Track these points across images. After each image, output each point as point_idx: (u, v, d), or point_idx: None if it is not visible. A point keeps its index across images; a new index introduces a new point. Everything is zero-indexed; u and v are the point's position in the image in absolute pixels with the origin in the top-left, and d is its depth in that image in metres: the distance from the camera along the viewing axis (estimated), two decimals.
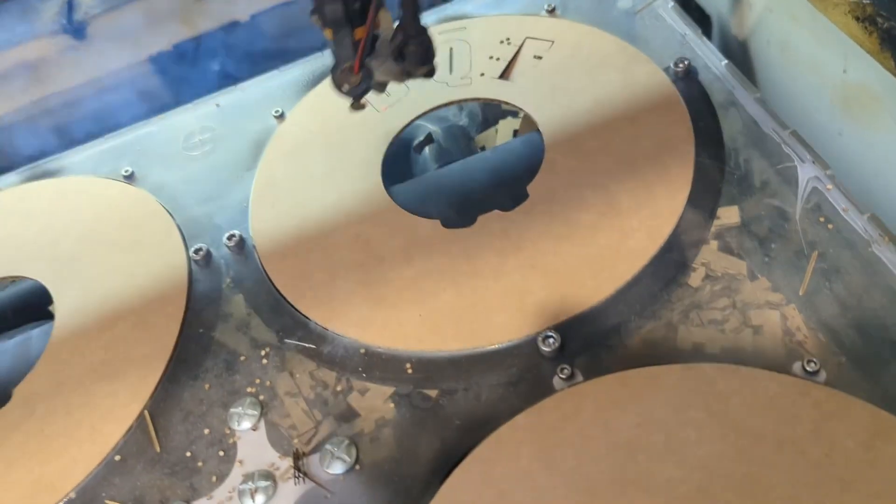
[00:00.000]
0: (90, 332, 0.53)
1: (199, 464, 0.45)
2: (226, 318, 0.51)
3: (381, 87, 0.49)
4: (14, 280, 0.60)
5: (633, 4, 0.63)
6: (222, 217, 0.58)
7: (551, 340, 0.45)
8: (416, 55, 0.48)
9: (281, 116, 0.63)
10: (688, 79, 0.56)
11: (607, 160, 0.53)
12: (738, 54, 0.64)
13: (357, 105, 0.49)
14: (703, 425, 0.40)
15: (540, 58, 0.60)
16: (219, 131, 0.64)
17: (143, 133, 0.66)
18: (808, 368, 0.41)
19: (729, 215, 0.51)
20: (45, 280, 0.57)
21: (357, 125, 0.59)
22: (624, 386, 0.42)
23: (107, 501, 0.45)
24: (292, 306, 0.51)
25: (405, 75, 0.49)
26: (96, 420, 0.48)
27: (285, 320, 0.51)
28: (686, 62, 0.56)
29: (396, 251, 0.52)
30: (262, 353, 0.49)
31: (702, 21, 0.78)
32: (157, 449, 0.47)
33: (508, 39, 0.62)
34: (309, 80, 0.66)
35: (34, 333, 0.57)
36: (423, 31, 0.48)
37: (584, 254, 0.48)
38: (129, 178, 0.62)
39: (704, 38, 0.59)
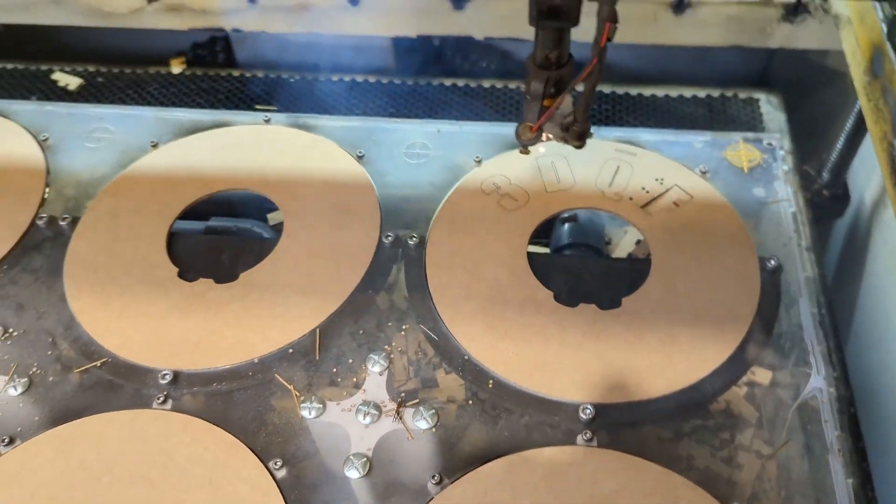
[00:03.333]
0: (303, 252, 0.76)
1: (339, 379, 0.68)
2: (396, 295, 0.74)
3: (538, 140, 0.68)
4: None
5: (766, 195, 0.80)
6: (414, 219, 0.80)
7: (588, 411, 0.65)
8: (575, 134, 0.68)
9: (479, 163, 0.84)
10: (771, 272, 0.74)
11: (687, 302, 0.71)
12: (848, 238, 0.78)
13: (524, 151, 0.69)
14: None
15: (678, 205, 0.79)
16: (432, 153, 0.86)
17: (381, 127, 0.89)
18: None
19: (762, 375, 0.69)
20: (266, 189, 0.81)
21: (521, 202, 0.80)
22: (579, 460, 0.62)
23: (276, 374, 0.69)
24: (438, 314, 0.72)
25: (562, 140, 0.69)
26: (289, 319, 0.72)
27: (430, 324, 0.72)
28: (775, 262, 0.73)
29: (521, 300, 0.72)
30: (403, 326, 0.72)
31: (842, 198, 0.95)
32: (317, 357, 0.70)
33: (662, 179, 0.81)
34: (512, 144, 0.86)
35: (264, 233, 0.82)
36: (586, 120, 0.67)
37: (642, 360, 0.68)
38: (361, 158, 0.85)
39: (804, 249, 0.75)
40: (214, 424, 0.66)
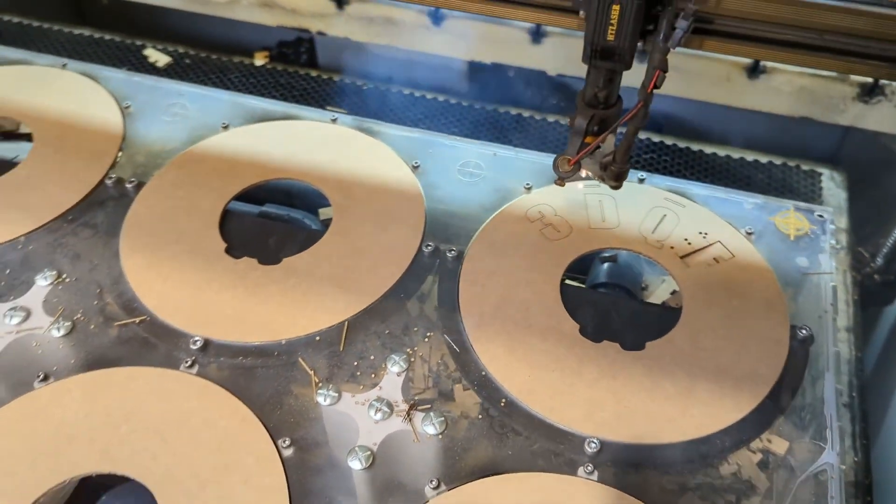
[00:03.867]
0: (346, 247, 0.79)
1: (358, 373, 0.70)
2: (426, 303, 0.76)
3: (575, 174, 0.69)
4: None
5: (808, 265, 0.80)
6: (456, 234, 0.82)
7: (594, 445, 0.66)
8: (612, 174, 0.70)
9: (529, 190, 0.86)
10: (801, 342, 0.73)
11: (710, 357, 0.71)
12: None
13: (560, 183, 0.71)
14: None
15: (717, 261, 0.79)
16: (485, 174, 0.88)
17: (440, 141, 0.92)
18: None
19: (778, 445, 0.68)
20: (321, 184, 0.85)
21: (563, 233, 0.81)
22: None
23: (300, 358, 0.72)
24: (464, 327, 0.74)
25: (600, 179, 0.72)
26: (321, 309, 0.75)
27: (454, 336, 0.74)
28: (806, 332, 0.73)
29: (546, 328, 0.73)
30: (428, 333, 0.74)
31: (893, 285, 0.93)
32: (341, 349, 0.72)
33: (706, 234, 0.81)
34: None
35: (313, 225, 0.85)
36: (625, 162, 0.69)
37: (656, 405, 0.68)
38: (416, 168, 0.88)
39: (841, 326, 0.75)
40: (234, 395, 0.68)
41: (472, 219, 0.83)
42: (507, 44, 1.22)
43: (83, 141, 0.90)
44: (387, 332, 0.74)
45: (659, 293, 0.85)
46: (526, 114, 1.15)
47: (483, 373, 0.71)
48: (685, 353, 0.72)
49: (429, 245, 0.80)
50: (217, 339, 0.73)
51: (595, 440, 0.66)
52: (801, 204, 0.86)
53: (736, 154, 1.10)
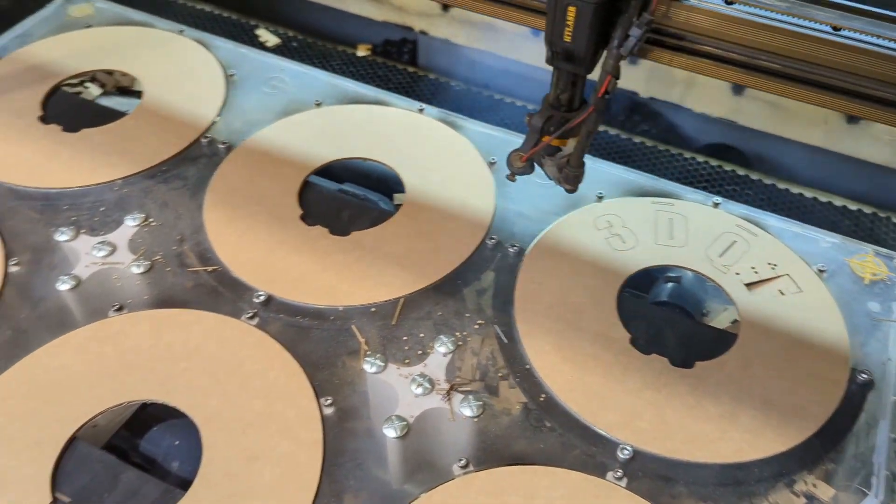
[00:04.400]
0: (413, 230, 0.82)
1: (406, 348, 0.72)
2: (481, 292, 0.77)
3: (528, 171, 0.71)
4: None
5: (880, 311, 0.77)
6: (521, 232, 0.83)
7: (627, 452, 0.65)
8: (567, 177, 0.71)
9: (600, 199, 0.86)
10: (860, 386, 0.71)
11: (760, 386, 0.70)
12: None
13: (511, 178, 0.71)
14: None
15: (783, 294, 0.77)
16: None
17: (519, 142, 0.93)
18: None
19: (824, 491, 0.66)
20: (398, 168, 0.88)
21: (628, 245, 0.81)
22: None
23: (353, 325, 0.74)
24: (515, 320, 0.75)
25: (556, 181, 0.72)
26: (380, 283, 0.77)
27: (504, 328, 0.75)
28: (866, 377, 0.70)
29: (597, 333, 0.74)
30: (479, 321, 0.75)
31: None
32: (393, 322, 0.75)
33: (775, 266, 0.80)
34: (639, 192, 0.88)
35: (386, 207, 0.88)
36: (580, 165, 0.69)
37: (696, 424, 0.67)
38: (492, 164, 0.90)
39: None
40: (286, 350, 0.72)
41: (539, 220, 0.85)
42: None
43: (187, 101, 0.97)
44: (439, 313, 0.76)
45: (719, 321, 0.83)
46: (612, 131, 1.15)
47: (527, 366, 0.72)
48: (734, 378, 0.71)
49: (493, 238, 0.82)
50: (279, 296, 0.76)
51: (629, 447, 0.65)
52: (882, 249, 0.83)
53: (823, 197, 1.07)
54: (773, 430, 0.67)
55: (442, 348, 0.72)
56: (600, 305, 0.76)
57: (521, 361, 0.72)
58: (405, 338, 0.73)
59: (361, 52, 1.31)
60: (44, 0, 1.13)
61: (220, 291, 0.77)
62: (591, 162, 0.90)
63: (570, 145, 0.70)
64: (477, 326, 0.75)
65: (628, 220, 0.84)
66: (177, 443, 0.70)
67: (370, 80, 1.21)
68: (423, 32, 1.33)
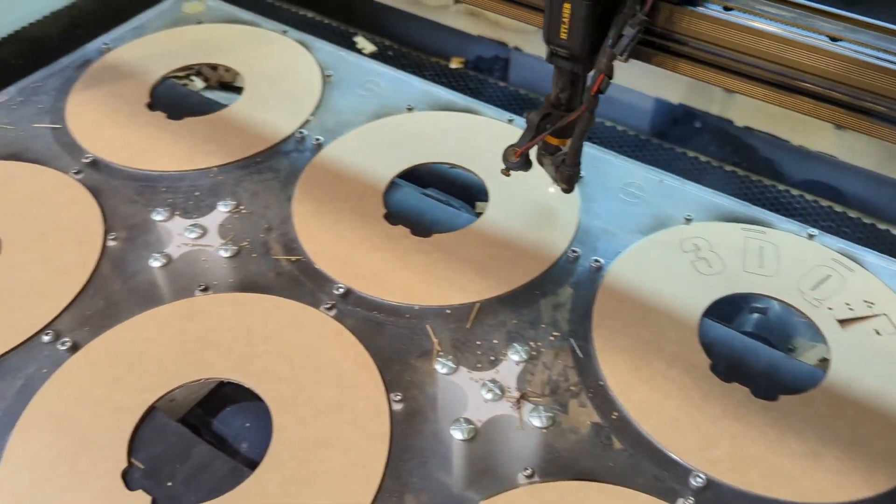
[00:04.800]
0: (493, 236, 0.82)
1: (479, 352, 0.72)
2: (559, 305, 0.76)
3: (527, 167, 0.73)
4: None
5: None
6: (604, 247, 0.82)
7: (700, 480, 0.63)
8: (563, 175, 0.72)
9: (688, 222, 0.84)
10: None
11: (849, 427, 0.66)
12: None
13: (506, 172, 0.73)
14: None
15: (879, 334, 0.73)
16: (647, 198, 0.87)
17: (607, 158, 0.92)
18: None
19: None
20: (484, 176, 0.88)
21: (714, 269, 0.79)
22: None
23: (428, 325, 0.74)
24: (591, 336, 0.74)
25: (553, 180, 0.74)
26: (457, 286, 0.77)
27: (580, 342, 0.74)
28: None
29: (675, 355, 0.72)
30: (554, 333, 0.74)
31: None
32: (468, 326, 0.74)
33: (872, 304, 0.76)
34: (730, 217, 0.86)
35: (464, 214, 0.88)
36: (576, 165, 0.71)
37: (776, 459, 0.64)
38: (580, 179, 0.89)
39: None
40: (361, 343, 0.72)
41: (623, 237, 0.83)
42: (698, 87, 1.20)
43: (284, 97, 1.00)
44: (514, 322, 0.75)
45: (807, 358, 0.80)
46: (703, 158, 1.12)
47: (601, 383, 0.70)
48: (821, 416, 0.67)
49: (574, 251, 0.81)
50: (358, 290, 0.77)
51: (702, 475, 0.63)
52: None
53: None
54: (860, 474, 0.63)
55: (515, 356, 0.71)
56: (681, 328, 0.74)
57: (595, 377, 0.71)
58: (478, 342, 0.73)
59: (454, 64, 1.33)
60: None
61: (302, 281, 0.78)
62: (679, 183, 0.89)
63: (568, 145, 0.71)
64: (552, 338, 0.74)
65: (716, 245, 0.81)
66: (248, 425, 0.71)
67: (462, 92, 1.22)
68: (517, 49, 1.33)
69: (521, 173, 0.77)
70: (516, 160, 0.72)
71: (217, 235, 0.82)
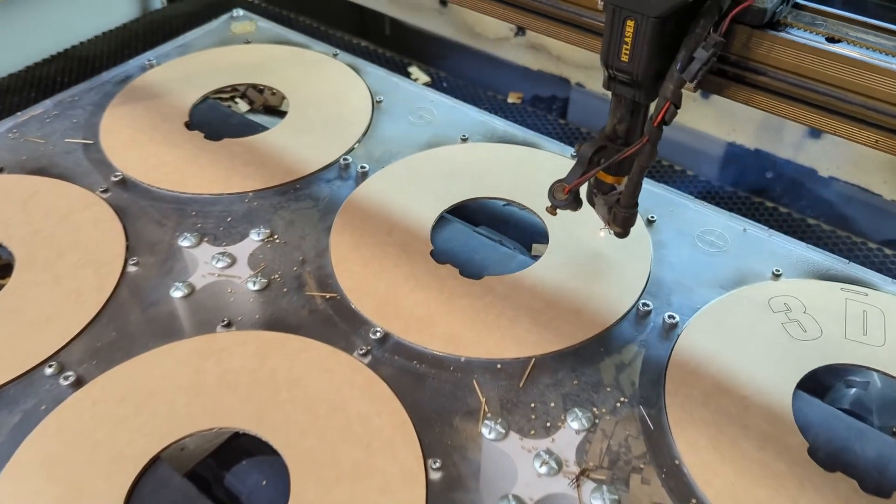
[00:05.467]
0: (553, 283, 0.72)
1: (533, 416, 0.62)
2: (625, 365, 0.66)
3: (576, 206, 0.65)
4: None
5: None
6: (679, 301, 0.72)
7: None
8: (616, 217, 0.64)
9: (777, 277, 0.74)
10: None
11: None
12: None
13: (552, 211, 0.65)
14: None
15: None
16: (728, 248, 0.77)
17: (682, 202, 0.82)
18: None
19: None
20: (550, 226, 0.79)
21: (809, 335, 0.68)
22: None
23: (475, 381, 0.65)
24: (665, 405, 0.64)
25: (606, 223, 0.66)
26: (510, 337, 0.68)
27: (651, 411, 0.64)
28: None
29: (765, 435, 0.61)
30: (620, 399, 0.64)
31: None
32: (521, 385, 0.65)
33: None
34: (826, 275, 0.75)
35: (520, 257, 0.79)
36: (632, 206, 0.62)
37: None
38: (650, 223, 0.79)
39: None
40: (397, 397, 0.63)
41: (701, 291, 0.73)
42: (777, 131, 1.10)
43: (331, 122, 0.93)
44: (575, 382, 0.65)
45: None
46: (783, 209, 1.02)
47: (676, 461, 0.59)
48: None
49: (646, 305, 0.71)
50: (398, 335, 0.68)
51: None
52: None
53: None
54: None
55: (575, 423, 0.61)
56: (772, 402, 0.63)
57: (669, 454, 0.60)
58: (532, 405, 0.63)
59: (512, 98, 1.26)
60: (213, 16, 1.15)
61: (335, 321, 0.70)
62: (766, 234, 0.79)
63: (624, 184, 0.63)
64: (618, 404, 0.63)
65: (811, 306, 0.71)
66: (264, 483, 0.62)
67: (519, 124, 1.14)
68: (579, 85, 1.26)
69: (585, 213, 0.69)
70: (564, 197, 0.64)
71: (246, 266, 0.75)
